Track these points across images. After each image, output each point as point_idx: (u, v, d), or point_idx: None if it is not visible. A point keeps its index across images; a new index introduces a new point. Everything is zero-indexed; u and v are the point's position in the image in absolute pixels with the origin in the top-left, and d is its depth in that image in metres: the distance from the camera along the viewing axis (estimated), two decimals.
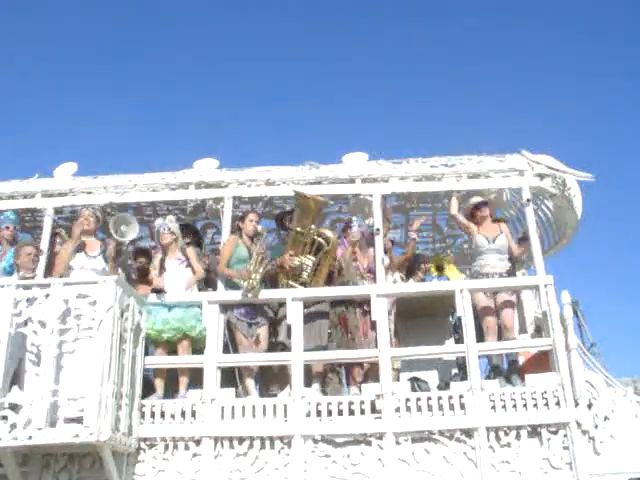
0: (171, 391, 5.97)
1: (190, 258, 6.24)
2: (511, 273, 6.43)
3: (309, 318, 6.08)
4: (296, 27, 30.94)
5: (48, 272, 6.12)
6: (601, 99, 29.11)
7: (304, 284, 6.27)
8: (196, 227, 7.25)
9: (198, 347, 5.95)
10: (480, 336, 5.96)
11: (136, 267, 6.89)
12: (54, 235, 6.52)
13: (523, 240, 6.59)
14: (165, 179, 6.72)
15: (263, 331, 6.17)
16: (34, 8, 27.70)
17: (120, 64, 29.17)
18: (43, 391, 4.91)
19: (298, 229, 6.33)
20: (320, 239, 6.34)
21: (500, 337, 6.12)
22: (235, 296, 6.06)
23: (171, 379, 6.01)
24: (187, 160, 6.98)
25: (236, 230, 6.45)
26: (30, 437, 4.83)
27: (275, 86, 30.87)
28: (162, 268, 6.22)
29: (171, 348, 6.00)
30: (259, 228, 6.37)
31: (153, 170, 6.84)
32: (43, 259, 6.14)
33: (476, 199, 6.54)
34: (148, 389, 5.83)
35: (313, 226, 6.36)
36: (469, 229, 6.57)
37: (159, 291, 6.07)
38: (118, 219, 6.22)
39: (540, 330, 6.56)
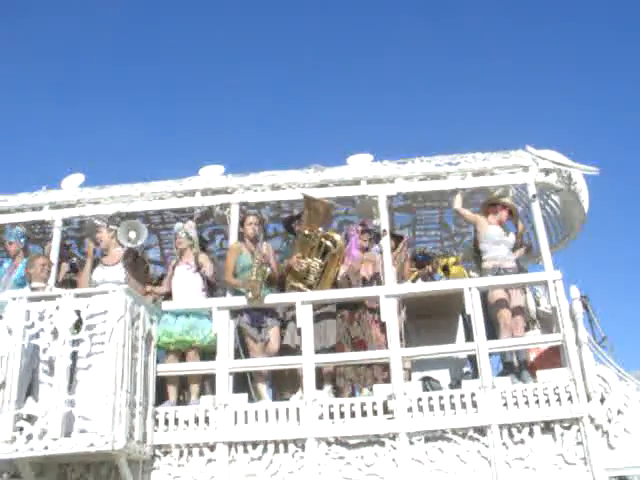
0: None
1: (202, 263, 6.28)
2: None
3: (314, 320, 6.06)
4: (300, 29, 31.02)
5: None
6: (604, 92, 29.00)
7: (311, 287, 6.28)
8: (201, 234, 7.26)
9: (209, 352, 5.98)
10: (491, 331, 5.93)
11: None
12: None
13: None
14: (171, 187, 6.78)
15: (274, 332, 6.17)
16: (36, 10, 27.83)
17: (123, 71, 29.32)
18: (57, 401, 4.96)
19: (306, 232, 6.36)
20: (327, 242, 6.37)
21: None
22: (244, 301, 6.07)
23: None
24: (193, 167, 7.04)
25: (240, 236, 6.45)
26: (46, 447, 4.88)
27: (278, 89, 30.94)
28: (172, 274, 6.30)
29: (182, 354, 6.03)
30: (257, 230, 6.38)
31: (159, 178, 6.91)
32: (53, 270, 6.20)
33: (502, 199, 6.51)
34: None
35: (321, 229, 6.39)
36: (477, 221, 6.51)
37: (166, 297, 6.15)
38: (125, 226, 6.27)
39: (548, 325, 6.53)
